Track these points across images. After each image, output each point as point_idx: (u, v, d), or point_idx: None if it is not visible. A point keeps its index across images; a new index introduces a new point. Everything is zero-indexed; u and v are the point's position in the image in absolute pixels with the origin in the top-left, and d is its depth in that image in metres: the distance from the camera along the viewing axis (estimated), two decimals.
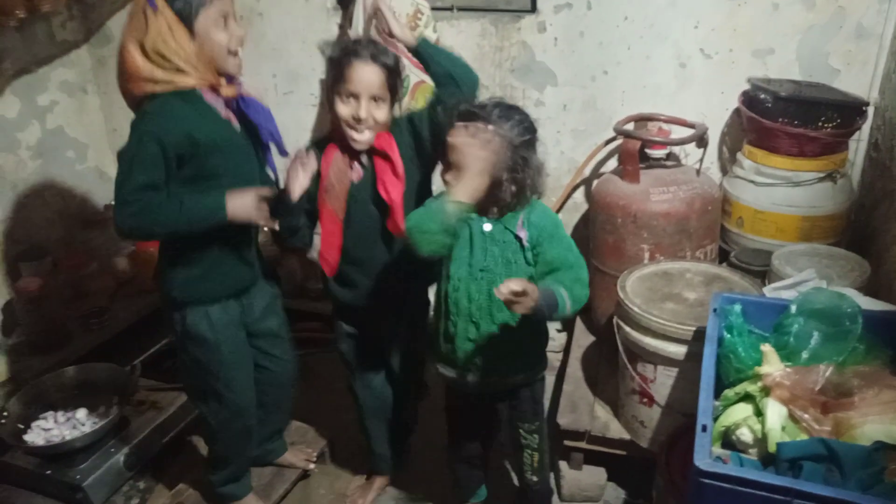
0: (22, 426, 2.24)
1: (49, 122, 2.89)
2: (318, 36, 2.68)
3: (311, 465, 2.24)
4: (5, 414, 2.21)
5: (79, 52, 2.98)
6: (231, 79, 1.67)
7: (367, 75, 1.63)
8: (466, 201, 1.44)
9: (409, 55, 2.45)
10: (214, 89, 1.64)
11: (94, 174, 3.13)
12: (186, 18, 1.54)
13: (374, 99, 1.65)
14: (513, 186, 1.51)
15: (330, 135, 1.78)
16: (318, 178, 1.73)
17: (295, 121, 2.80)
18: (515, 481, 2.05)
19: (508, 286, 1.36)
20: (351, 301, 1.88)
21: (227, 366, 1.84)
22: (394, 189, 1.70)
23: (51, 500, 2.17)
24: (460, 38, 2.56)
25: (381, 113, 1.67)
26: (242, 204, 1.63)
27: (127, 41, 1.56)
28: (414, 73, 2.47)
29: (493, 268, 1.58)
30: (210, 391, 1.88)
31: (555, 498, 2.13)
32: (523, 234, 1.57)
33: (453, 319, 1.64)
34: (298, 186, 1.66)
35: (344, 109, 1.65)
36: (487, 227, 1.58)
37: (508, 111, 1.51)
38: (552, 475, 2.12)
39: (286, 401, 2.16)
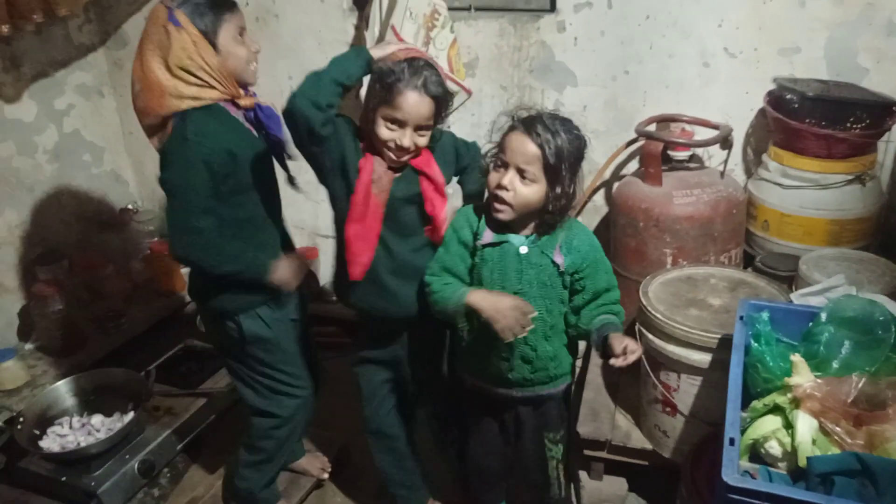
0: (38, 432, 2.24)
1: (66, 125, 2.89)
2: (334, 36, 2.67)
3: (326, 475, 2.21)
4: (21, 420, 2.20)
5: (95, 55, 2.99)
6: (247, 89, 1.69)
7: (416, 106, 1.53)
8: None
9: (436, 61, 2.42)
10: (234, 101, 1.66)
11: (111, 177, 3.14)
12: (210, 35, 1.56)
13: (420, 128, 1.57)
14: (561, 201, 1.47)
15: (366, 143, 1.65)
16: (345, 180, 1.64)
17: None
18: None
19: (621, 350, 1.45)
20: (383, 310, 1.77)
21: (290, 358, 1.88)
22: (439, 206, 1.65)
23: None
24: (478, 38, 2.52)
25: (424, 140, 1.60)
26: (286, 272, 1.73)
27: (148, 58, 1.57)
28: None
29: (528, 290, 1.53)
30: (280, 388, 1.89)
31: None
32: (560, 260, 1.52)
33: (486, 339, 1.59)
34: None
35: (387, 133, 1.56)
36: (524, 249, 1.53)
37: (566, 125, 1.47)
38: (571, 485, 2.07)
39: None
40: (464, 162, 1.76)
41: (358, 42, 2.62)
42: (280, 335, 1.83)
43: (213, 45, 1.56)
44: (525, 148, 1.44)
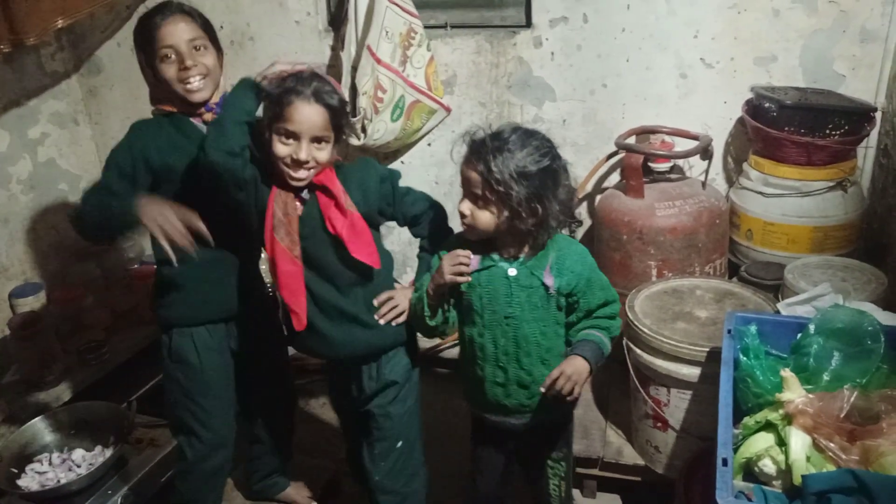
0: (16, 470, 2.17)
1: (41, 154, 2.84)
2: (311, 57, 2.64)
3: None
4: None
5: (69, 83, 2.94)
6: (208, 105, 1.68)
7: (308, 116, 1.49)
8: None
9: (404, 76, 2.41)
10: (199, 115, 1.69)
11: None
12: (143, 63, 1.68)
13: (317, 140, 1.52)
14: (531, 219, 1.42)
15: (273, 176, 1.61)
16: (261, 218, 1.60)
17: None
18: None
19: (548, 385, 1.46)
20: (328, 354, 1.74)
21: (209, 392, 1.81)
22: (339, 222, 1.58)
23: None
24: (455, 55, 2.51)
25: (324, 154, 1.54)
26: (154, 211, 1.54)
27: None
28: (409, 93, 2.43)
29: (520, 314, 1.49)
30: (190, 420, 1.83)
31: None
32: (550, 282, 1.48)
33: (480, 364, 1.56)
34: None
35: (283, 150, 1.52)
36: (512, 271, 1.49)
37: (524, 138, 1.42)
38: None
39: (285, 434, 2.10)
40: (389, 200, 1.67)
41: (335, 63, 2.60)
42: (206, 365, 1.77)
43: (151, 69, 1.65)
44: (470, 175, 1.43)
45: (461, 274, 1.49)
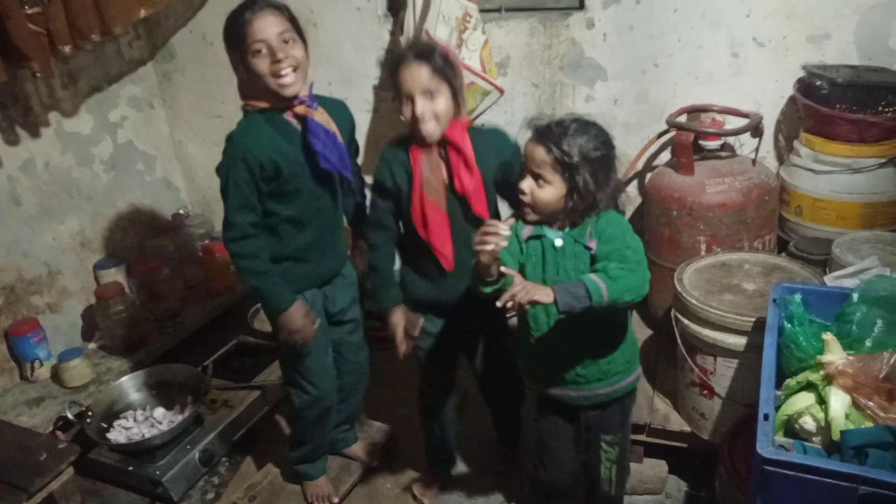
0: (105, 425, 2.39)
1: (120, 136, 3.04)
2: (371, 41, 2.77)
3: (375, 462, 2.31)
4: (90, 414, 2.35)
5: (145, 69, 3.13)
6: (301, 98, 1.73)
7: (413, 74, 1.67)
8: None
9: (460, 58, 2.51)
10: (290, 109, 1.75)
11: (162, 184, 3.29)
12: (234, 59, 1.73)
13: (428, 93, 1.68)
14: (585, 198, 1.53)
15: (409, 138, 1.81)
16: (409, 180, 1.79)
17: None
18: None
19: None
20: (435, 297, 1.91)
21: (307, 354, 1.96)
22: (466, 179, 1.76)
23: (133, 494, 2.32)
24: (509, 38, 2.59)
25: (440, 104, 1.70)
26: (293, 324, 1.83)
27: None
28: (465, 75, 2.52)
29: (566, 281, 1.57)
30: (296, 376, 2.01)
31: None
32: (593, 245, 1.57)
33: (534, 335, 1.67)
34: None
35: (406, 112, 1.71)
36: (559, 242, 1.59)
37: (585, 126, 1.53)
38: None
39: (361, 389, 2.24)
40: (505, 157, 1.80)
41: (394, 47, 2.71)
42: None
43: (244, 65, 1.69)
44: (535, 154, 1.53)
45: (489, 245, 1.46)
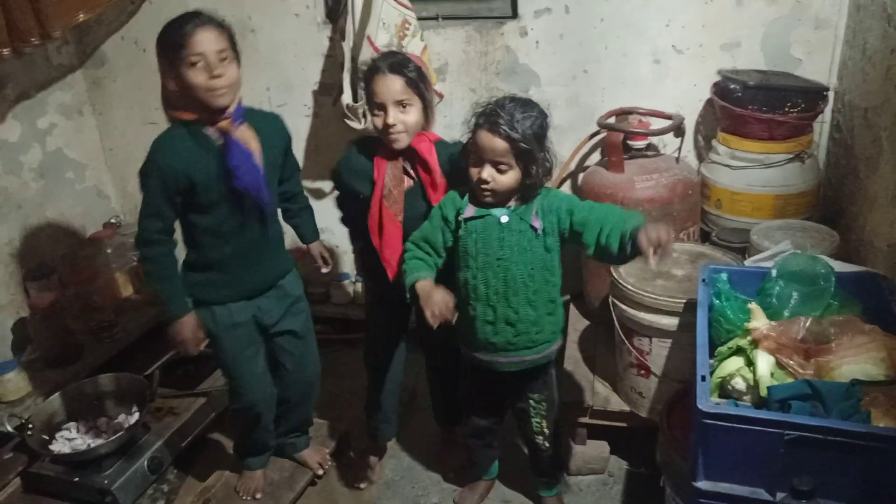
0: (46, 437, 2.32)
1: (49, 144, 2.96)
2: (311, 48, 2.81)
3: (321, 472, 2.31)
4: (31, 426, 2.28)
5: (74, 76, 3.06)
6: (226, 112, 1.73)
7: (387, 85, 1.77)
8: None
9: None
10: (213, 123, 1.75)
11: (93, 193, 3.21)
12: (166, 69, 1.72)
13: (401, 104, 1.78)
14: (528, 180, 1.65)
15: (372, 145, 1.91)
16: (370, 181, 1.88)
17: (291, 130, 2.91)
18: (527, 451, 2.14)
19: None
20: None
21: (232, 363, 2.00)
22: (431, 196, 1.88)
23: None
24: (447, 44, 2.70)
25: (411, 116, 1.80)
26: (179, 334, 1.88)
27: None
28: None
29: (510, 256, 1.71)
30: (230, 381, 2.07)
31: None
32: (537, 224, 1.70)
33: (472, 304, 1.77)
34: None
35: (377, 121, 1.81)
36: (504, 218, 1.70)
37: (525, 107, 1.63)
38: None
39: (310, 401, 2.24)
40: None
41: (334, 53, 2.77)
42: (224, 339, 1.96)
43: (175, 75, 1.68)
44: (495, 145, 1.63)
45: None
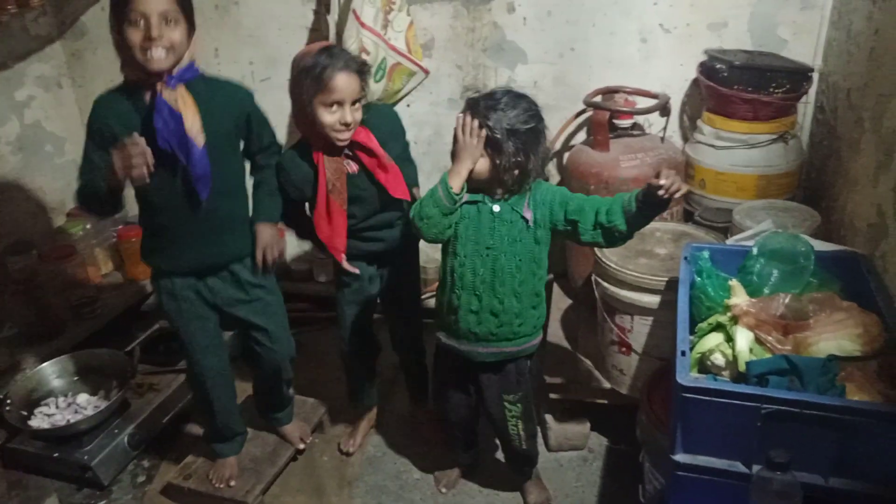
0: (25, 413, 2.30)
1: (27, 116, 2.92)
2: (296, 21, 2.77)
3: (302, 446, 2.32)
4: (9, 402, 2.26)
5: (53, 47, 3.00)
6: (164, 75, 1.68)
7: (347, 83, 1.80)
8: (457, 188, 1.62)
9: (386, 39, 2.57)
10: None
11: (73, 167, 3.12)
12: (114, 26, 1.68)
13: (356, 102, 1.84)
14: (515, 171, 1.63)
15: (309, 143, 1.93)
16: (314, 182, 1.93)
17: (274, 105, 2.82)
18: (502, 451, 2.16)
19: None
20: (371, 250, 2.08)
21: (180, 332, 2.01)
22: (383, 176, 1.94)
23: (59, 482, 2.25)
24: (434, 20, 2.67)
25: (360, 114, 1.86)
26: (120, 158, 1.62)
27: None
28: (391, 56, 2.58)
29: (499, 246, 1.70)
30: (186, 354, 2.08)
31: (542, 449, 2.27)
32: (528, 215, 1.69)
33: (457, 292, 1.76)
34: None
35: (330, 118, 1.82)
36: (496, 208, 1.70)
37: (515, 100, 1.62)
38: (539, 428, 2.25)
39: (278, 380, 2.19)
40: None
41: (318, 27, 2.74)
42: (172, 311, 1.96)
43: (118, 30, 1.65)
44: None
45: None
